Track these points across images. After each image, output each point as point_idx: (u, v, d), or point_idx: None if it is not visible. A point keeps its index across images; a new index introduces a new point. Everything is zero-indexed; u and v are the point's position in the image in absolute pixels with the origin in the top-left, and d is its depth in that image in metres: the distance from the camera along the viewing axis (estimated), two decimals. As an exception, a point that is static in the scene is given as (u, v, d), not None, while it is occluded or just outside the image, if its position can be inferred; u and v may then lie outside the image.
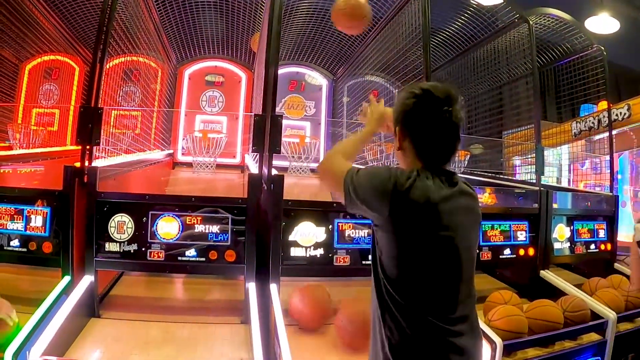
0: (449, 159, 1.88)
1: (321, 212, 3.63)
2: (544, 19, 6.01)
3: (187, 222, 3.47)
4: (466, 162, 7.40)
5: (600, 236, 5.26)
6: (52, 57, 7.67)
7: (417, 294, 1.74)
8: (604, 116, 7.72)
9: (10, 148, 6.71)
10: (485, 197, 5.36)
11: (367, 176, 1.83)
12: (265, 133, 3.58)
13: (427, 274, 1.75)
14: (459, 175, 1.95)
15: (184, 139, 7.54)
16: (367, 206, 1.81)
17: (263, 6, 5.77)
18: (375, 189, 1.77)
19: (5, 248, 3.41)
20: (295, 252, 3.54)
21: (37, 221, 3.41)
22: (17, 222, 3.41)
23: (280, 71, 8.00)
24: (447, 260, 1.77)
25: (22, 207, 3.42)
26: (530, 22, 5.46)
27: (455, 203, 1.79)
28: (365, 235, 3.67)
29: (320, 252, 3.58)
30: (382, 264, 1.80)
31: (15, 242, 3.41)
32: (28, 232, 3.41)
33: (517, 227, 4.48)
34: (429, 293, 1.75)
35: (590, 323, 3.79)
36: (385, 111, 2.27)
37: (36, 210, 3.40)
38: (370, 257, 1.91)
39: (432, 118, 1.80)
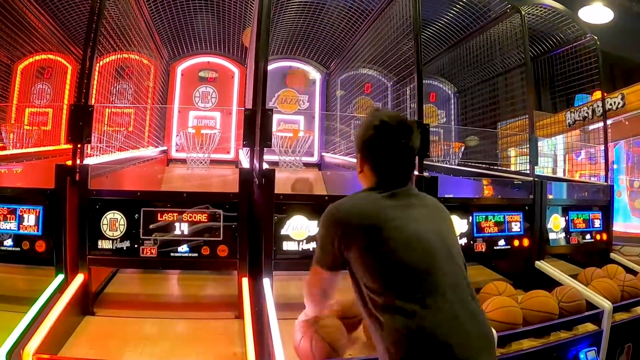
0: (405, 181, 2.07)
1: (313, 205, 3.63)
2: (537, 9, 5.99)
3: (179, 218, 3.46)
4: (461, 154, 7.40)
5: (595, 226, 5.26)
6: (44, 56, 7.63)
7: (398, 291, 1.80)
8: (598, 106, 7.71)
9: (3, 148, 6.69)
10: (483, 189, 5.37)
11: (319, 244, 2.07)
12: (256, 127, 3.57)
13: (401, 269, 1.83)
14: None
15: (177, 135, 7.52)
16: (339, 256, 1.98)
17: (254, 0, 5.75)
18: (328, 244, 1.99)
19: (-1, 247, 3.40)
20: (287, 246, 3.55)
21: (30, 220, 3.41)
22: (10, 222, 3.41)
23: (273, 66, 8.01)
24: (415, 250, 1.86)
25: (14, 207, 3.42)
26: (523, 12, 5.44)
27: (400, 199, 1.99)
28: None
29: (312, 245, 3.56)
30: (358, 281, 1.93)
31: (8, 242, 3.42)
32: (21, 231, 3.42)
33: (511, 217, 4.48)
34: (410, 287, 1.80)
35: (586, 313, 3.79)
36: None
37: (29, 209, 3.40)
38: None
39: (389, 147, 2.02)
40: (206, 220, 3.48)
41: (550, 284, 4.16)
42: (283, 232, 3.54)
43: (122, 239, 3.43)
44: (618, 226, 6.09)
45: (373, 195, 2.00)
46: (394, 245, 1.84)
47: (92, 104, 3.68)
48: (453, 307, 1.79)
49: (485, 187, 5.45)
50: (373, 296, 1.83)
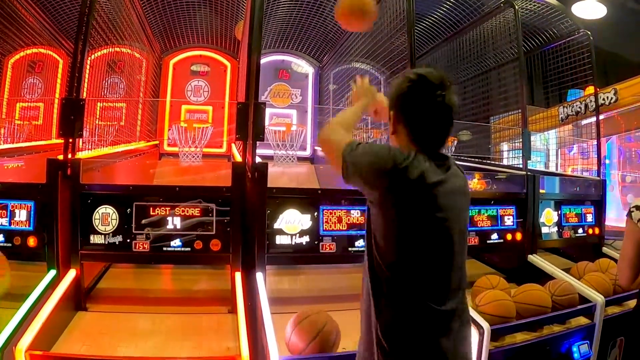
0: (442, 143, 1.91)
1: (306, 199, 3.64)
2: (530, 4, 5.99)
3: (172, 213, 3.45)
4: (454, 148, 7.40)
5: (588, 220, 5.29)
6: (35, 50, 7.57)
7: (411, 275, 1.75)
8: (590, 101, 7.74)
9: (-5, 143, 6.65)
10: (474, 183, 5.37)
11: (366, 151, 1.83)
12: (249, 121, 3.56)
13: (421, 255, 1.76)
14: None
15: (169, 129, 7.48)
16: (363, 181, 1.82)
17: (247, -6, 5.73)
18: (373, 165, 1.78)
19: (-10, 243, 3.38)
20: (280, 240, 3.55)
21: (21, 215, 3.40)
22: (1, 218, 3.40)
23: (266, 59, 7.98)
24: (441, 242, 1.79)
25: (6, 202, 3.41)
26: (516, 7, 5.44)
27: (449, 186, 1.81)
28: (352, 221, 3.67)
29: (306, 239, 3.58)
30: (377, 243, 1.80)
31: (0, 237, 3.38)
32: (12, 226, 3.40)
33: (504, 211, 4.49)
34: (422, 274, 1.75)
35: (579, 307, 3.81)
36: (371, 87, 2.32)
37: (20, 204, 3.37)
38: (365, 237, 1.91)
39: (426, 102, 1.82)
40: (199, 214, 3.47)
41: (542, 277, 4.18)
42: (276, 226, 3.54)
43: (115, 233, 3.41)
44: (610, 220, 6.11)
45: (434, 166, 1.79)
46: (434, 231, 1.76)
47: (84, 97, 3.65)
48: (457, 311, 1.79)
49: (477, 181, 5.45)
50: (387, 271, 1.76)
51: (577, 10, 7.82)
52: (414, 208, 1.74)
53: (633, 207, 2.91)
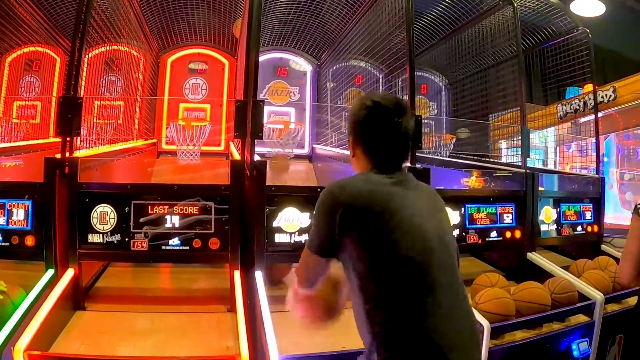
0: (399, 163, 1.97)
1: (305, 197, 3.62)
2: (529, 1, 5.99)
3: (170, 211, 3.44)
4: (452, 146, 7.40)
5: (586, 218, 5.29)
6: (32, 48, 7.54)
7: (391, 282, 1.75)
8: (589, 98, 7.73)
9: (-8, 142, 6.62)
10: (472, 181, 5.37)
11: (313, 230, 1.94)
12: (247, 119, 3.55)
13: (396, 259, 1.75)
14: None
15: (167, 127, 7.46)
16: (328, 243, 1.86)
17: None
18: (318, 225, 1.90)
19: (-12, 243, 3.36)
20: (279, 238, 3.54)
21: (19, 214, 3.38)
22: (-1, 217, 3.37)
23: (264, 57, 7.95)
24: (412, 241, 1.77)
25: (3, 201, 3.39)
26: (515, 4, 5.43)
27: (401, 188, 1.87)
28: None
29: (305, 237, 3.56)
30: (351, 268, 1.82)
31: (-3, 237, 3.36)
32: (10, 225, 3.38)
33: (503, 209, 4.49)
34: (402, 278, 1.74)
35: (578, 304, 3.83)
36: None
37: (18, 203, 3.35)
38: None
39: (382, 128, 1.91)
40: (197, 212, 3.46)
41: (542, 275, 4.18)
42: (275, 224, 3.53)
43: (113, 232, 3.40)
44: (608, 218, 6.12)
45: (378, 178, 1.87)
46: (399, 236, 1.75)
47: (81, 96, 3.64)
48: (447, 307, 1.76)
49: (475, 178, 5.45)
50: (367, 286, 1.76)
51: (576, 7, 7.80)
52: (372, 220, 1.78)
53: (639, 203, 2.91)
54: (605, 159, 9.62)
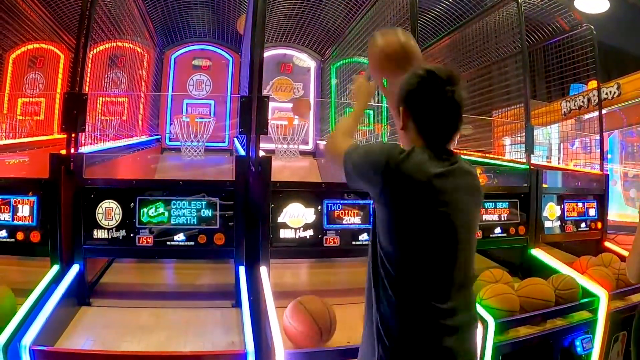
0: (450, 138, 1.90)
1: (310, 192, 3.63)
2: (533, -2, 5.99)
3: (175, 206, 3.45)
4: (456, 142, 7.39)
5: (590, 215, 5.28)
6: (36, 45, 7.56)
7: (412, 271, 1.75)
8: (593, 95, 7.72)
9: (-4, 139, 6.64)
10: (476, 178, 5.34)
11: (363, 152, 1.93)
12: (252, 115, 3.55)
13: (422, 249, 1.76)
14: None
15: (171, 124, 7.48)
16: (363, 180, 1.90)
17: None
18: (370, 163, 1.85)
19: (-8, 240, 3.38)
20: (284, 233, 3.54)
21: (24, 211, 3.38)
22: (4, 213, 3.38)
23: (268, 53, 7.95)
24: (443, 236, 1.78)
25: (8, 197, 3.38)
26: (519, 1, 5.42)
27: (452, 180, 1.81)
28: (355, 215, 3.67)
29: (309, 233, 3.58)
30: (379, 237, 1.82)
31: (2, 233, 3.38)
32: (15, 222, 3.38)
33: (507, 206, 4.48)
34: (423, 270, 1.75)
35: (582, 301, 3.81)
36: (370, 85, 2.43)
37: (23, 199, 3.36)
38: (370, 233, 1.95)
39: (434, 98, 1.84)
40: (202, 208, 3.47)
41: (545, 272, 4.17)
42: (280, 219, 3.53)
43: (118, 228, 3.40)
44: (612, 215, 6.11)
45: (436, 165, 1.79)
46: (436, 226, 1.76)
47: (86, 92, 3.65)
48: (459, 308, 1.79)
49: (479, 175, 5.43)
50: (388, 266, 1.77)
51: (580, 4, 7.78)
52: (412, 202, 1.75)
53: None
54: (609, 156, 9.60)
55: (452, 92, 1.83)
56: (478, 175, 2.04)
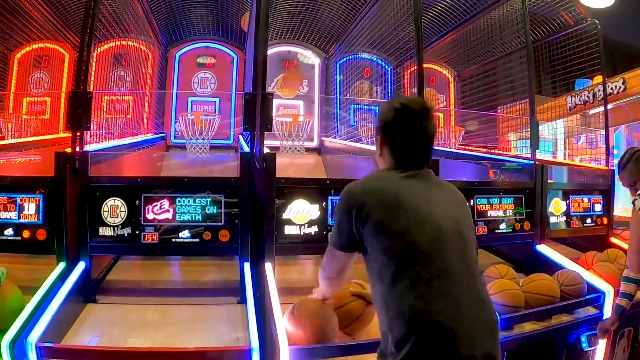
0: (423, 163, 2.10)
1: (315, 189, 3.63)
2: (538, -8, 5.97)
3: (180, 204, 3.46)
4: (461, 138, 7.38)
5: (596, 210, 5.25)
6: (41, 45, 7.59)
7: (405, 269, 1.81)
8: (598, 90, 7.68)
9: (2, 138, 6.67)
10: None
11: (336, 226, 2.12)
12: (257, 112, 3.55)
13: (406, 245, 1.85)
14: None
15: (176, 121, 7.50)
16: (349, 236, 2.02)
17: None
18: (340, 218, 2.06)
19: (-1, 237, 3.40)
20: (289, 230, 3.54)
21: (30, 209, 3.39)
22: (10, 211, 3.39)
23: (272, 50, 7.96)
24: (416, 229, 1.86)
25: (14, 196, 3.40)
26: (524, -5, 5.40)
27: (408, 182, 2.00)
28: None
29: (314, 229, 3.57)
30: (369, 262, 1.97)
31: (9, 231, 3.39)
32: (22, 220, 3.39)
33: (512, 201, 4.47)
34: (409, 262, 1.82)
35: (587, 297, 3.80)
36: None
37: (29, 198, 3.38)
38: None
39: (408, 130, 2.06)
40: (207, 205, 3.47)
41: (551, 267, 4.16)
42: (284, 216, 3.53)
43: (123, 225, 3.41)
44: (618, 210, 6.08)
45: (391, 175, 2.04)
46: (407, 225, 1.86)
47: (91, 91, 3.66)
48: (459, 293, 1.80)
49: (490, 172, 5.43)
50: (384, 272, 1.84)
51: (585, -2, 7.75)
52: (383, 212, 1.91)
53: (638, 195, 2.89)
54: (615, 151, 9.55)
55: (425, 127, 2.05)
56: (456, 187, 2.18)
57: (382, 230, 1.88)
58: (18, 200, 3.39)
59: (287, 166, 6.02)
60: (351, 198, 1.99)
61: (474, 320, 1.80)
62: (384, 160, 2.15)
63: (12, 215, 3.39)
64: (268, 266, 3.33)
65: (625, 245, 4.93)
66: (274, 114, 7.20)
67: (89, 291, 3.39)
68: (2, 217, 3.39)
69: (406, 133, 2.06)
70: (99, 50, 4.28)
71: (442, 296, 1.77)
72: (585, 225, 5.13)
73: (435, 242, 1.85)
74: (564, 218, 4.94)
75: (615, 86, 8.78)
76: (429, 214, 1.90)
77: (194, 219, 3.46)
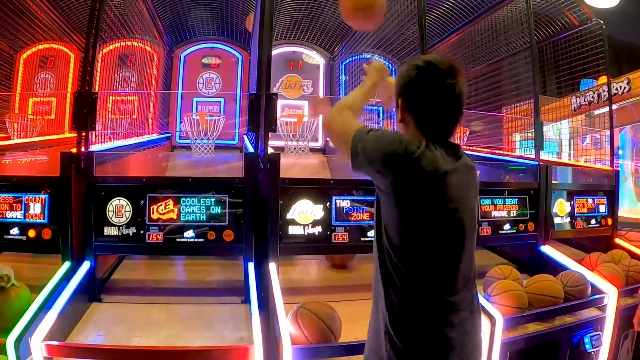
0: (450, 132, 1.87)
1: (319, 189, 3.65)
2: (542, -8, 5.96)
3: (185, 203, 3.47)
4: (466, 139, 7.37)
5: (601, 211, 5.25)
6: (47, 45, 7.62)
7: (420, 264, 1.75)
8: (603, 90, 7.65)
9: (8, 138, 6.71)
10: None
11: (377, 138, 1.81)
12: (261, 112, 3.56)
13: (431, 244, 1.76)
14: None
15: (181, 122, 7.52)
16: (374, 168, 1.80)
17: (257, -14, 5.73)
18: (385, 152, 1.75)
19: (5, 237, 3.43)
20: (293, 230, 3.56)
21: (35, 208, 3.42)
22: (16, 211, 3.42)
23: (277, 51, 7.97)
24: (451, 232, 1.78)
25: (20, 196, 3.43)
26: (528, -5, 5.39)
27: (460, 176, 1.80)
28: (364, 212, 3.67)
29: (318, 229, 3.60)
30: (387, 231, 1.79)
31: (15, 230, 3.43)
32: (27, 219, 3.43)
33: (516, 202, 4.47)
34: (432, 264, 1.75)
35: (591, 298, 3.79)
36: (383, 65, 2.32)
37: (35, 197, 3.40)
38: (374, 226, 1.90)
39: (434, 90, 1.79)
40: (212, 205, 3.49)
41: (555, 268, 4.16)
42: (289, 216, 3.56)
43: (128, 225, 3.44)
44: (623, 211, 6.07)
45: (439, 152, 1.76)
46: (445, 221, 1.76)
47: (96, 91, 3.68)
48: (464, 301, 1.80)
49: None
50: (397, 261, 1.75)
51: (590, -1, 7.73)
52: (426, 198, 1.73)
53: None
54: (620, 152, 9.53)
55: (452, 85, 1.78)
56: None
57: (420, 212, 1.73)
58: (24, 200, 3.42)
59: (291, 166, 6.03)
60: (406, 148, 1.72)
61: (471, 334, 1.82)
62: (406, 128, 1.88)
63: (18, 214, 3.42)
64: (272, 266, 3.35)
65: (630, 247, 4.93)
66: (278, 114, 7.22)
67: (93, 290, 3.43)
68: (8, 217, 3.43)
69: (431, 94, 1.79)
70: (104, 50, 4.30)
71: (447, 304, 1.76)
72: (589, 226, 5.13)
73: (457, 246, 1.79)
74: (569, 219, 4.94)
75: (620, 86, 8.75)
76: (460, 219, 1.79)
77: (198, 219, 3.48)
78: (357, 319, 2.94)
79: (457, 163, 1.81)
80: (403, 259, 1.75)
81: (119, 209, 3.43)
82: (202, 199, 3.48)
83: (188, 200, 3.48)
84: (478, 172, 2.00)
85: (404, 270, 1.74)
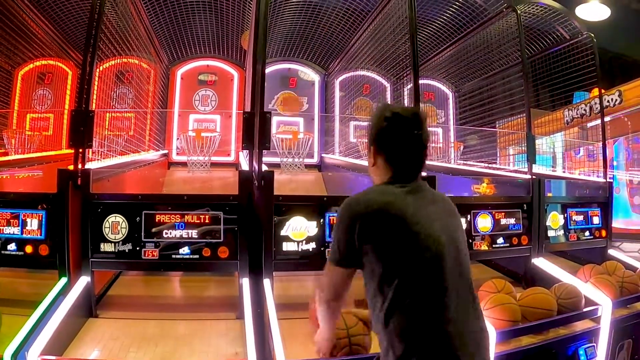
0: (418, 171, 2.06)
1: (312, 206, 3.67)
2: (533, 8, 6.03)
3: (180, 221, 3.50)
4: (460, 153, 7.42)
5: (594, 223, 5.27)
6: (44, 62, 7.67)
7: (407, 287, 1.81)
8: (595, 103, 7.73)
9: (6, 154, 6.73)
10: (483, 188, 5.38)
11: (335, 241, 1.99)
12: (255, 130, 3.60)
13: (410, 264, 1.83)
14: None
15: (177, 138, 7.56)
16: (351, 251, 1.93)
17: (252, 3, 5.79)
18: (344, 234, 1.94)
19: (2, 252, 3.45)
20: (287, 246, 3.58)
21: (32, 224, 3.44)
22: (14, 227, 3.44)
23: (272, 68, 8.05)
24: (426, 244, 1.85)
25: (17, 212, 3.45)
26: (518, 11, 5.47)
27: (412, 197, 1.94)
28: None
29: (312, 246, 3.62)
30: (374, 284, 1.89)
31: (12, 246, 3.45)
32: (24, 235, 3.45)
33: (510, 215, 4.50)
34: (417, 297, 1.81)
35: (585, 310, 3.80)
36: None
37: (32, 213, 3.43)
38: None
39: (402, 138, 2.01)
40: (207, 222, 3.52)
41: (549, 281, 4.18)
42: (283, 232, 3.58)
43: (124, 241, 3.46)
44: (618, 223, 6.09)
45: (393, 189, 1.95)
46: (414, 242, 1.84)
47: (93, 109, 3.72)
48: (460, 309, 1.83)
49: (486, 185, 5.45)
50: (384, 289, 1.83)
51: (581, 12, 7.83)
52: (387, 229, 1.86)
53: None
54: (615, 163, 9.57)
55: (418, 135, 2.00)
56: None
57: (386, 246, 1.85)
58: (21, 216, 3.45)
59: (287, 183, 6.07)
60: (353, 213, 1.91)
61: (473, 334, 1.85)
62: (378, 171, 2.07)
63: (15, 230, 3.44)
64: (267, 282, 3.37)
65: (624, 258, 4.95)
66: (273, 130, 7.28)
67: (90, 306, 3.44)
68: (5, 232, 3.45)
69: (399, 141, 2.00)
70: (101, 67, 4.34)
71: (443, 313, 1.79)
72: (583, 238, 5.15)
73: (436, 258, 1.85)
74: (562, 231, 4.97)
75: (612, 99, 8.81)
76: (431, 231, 1.87)
77: (193, 236, 3.50)
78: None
79: (411, 186, 1.98)
80: (389, 300, 1.82)
81: (115, 226, 3.46)
82: (197, 216, 3.51)
83: (183, 217, 3.51)
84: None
85: (392, 303, 1.82)
